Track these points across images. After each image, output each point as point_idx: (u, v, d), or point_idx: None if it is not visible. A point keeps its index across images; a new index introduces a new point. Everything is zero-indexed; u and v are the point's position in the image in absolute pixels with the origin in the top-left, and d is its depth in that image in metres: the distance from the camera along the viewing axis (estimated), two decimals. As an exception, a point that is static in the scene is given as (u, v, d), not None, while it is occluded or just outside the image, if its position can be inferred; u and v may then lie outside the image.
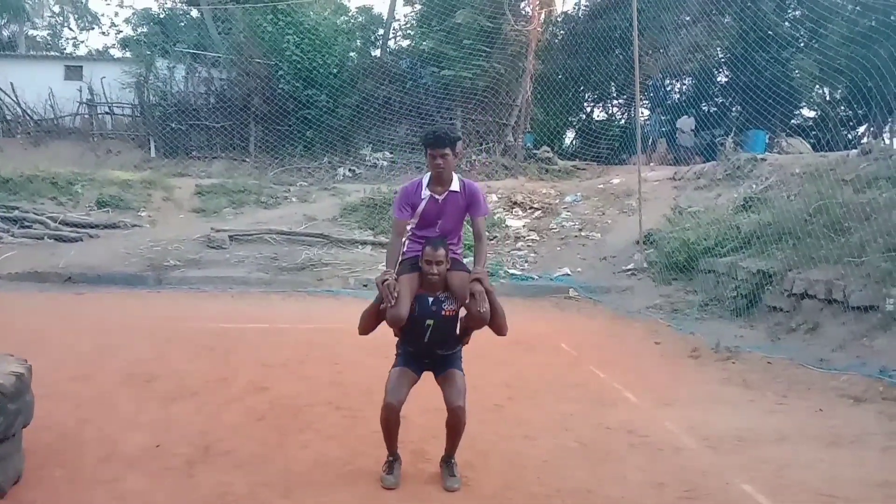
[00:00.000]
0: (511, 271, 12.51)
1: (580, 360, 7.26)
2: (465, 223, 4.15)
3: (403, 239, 4.08)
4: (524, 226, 14.92)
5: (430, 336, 3.84)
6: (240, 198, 16.31)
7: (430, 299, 3.85)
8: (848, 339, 7.08)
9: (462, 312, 3.91)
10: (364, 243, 13.78)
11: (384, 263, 4.06)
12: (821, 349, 7.14)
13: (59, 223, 13.58)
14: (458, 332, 3.96)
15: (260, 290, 11.14)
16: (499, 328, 3.89)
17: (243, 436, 4.61)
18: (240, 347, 7.20)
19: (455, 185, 4.01)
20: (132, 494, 3.68)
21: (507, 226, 14.80)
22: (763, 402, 5.76)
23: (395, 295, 3.71)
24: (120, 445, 4.32)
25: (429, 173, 4.02)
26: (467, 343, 4.09)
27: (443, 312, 3.85)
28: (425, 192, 3.99)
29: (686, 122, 20.01)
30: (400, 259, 4.01)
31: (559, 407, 5.48)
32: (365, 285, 11.27)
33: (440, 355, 3.95)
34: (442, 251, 3.81)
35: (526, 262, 13.20)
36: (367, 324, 3.93)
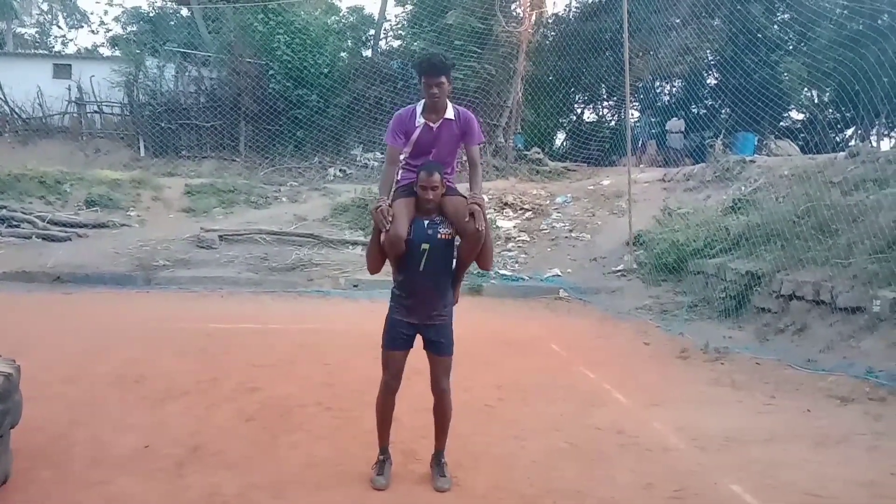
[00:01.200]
0: (501, 272, 12.53)
1: (570, 361, 7.28)
2: (459, 152, 4.12)
3: (398, 168, 4.05)
4: (515, 227, 14.95)
5: (426, 264, 3.79)
6: (230, 198, 16.23)
7: (426, 222, 3.82)
8: (835, 340, 7.14)
9: (457, 242, 3.88)
10: (354, 244, 13.76)
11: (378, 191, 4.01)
12: (808, 350, 7.19)
13: (48, 222, 13.47)
14: (452, 262, 3.92)
15: (250, 290, 11.10)
16: (486, 260, 3.93)
17: (233, 436, 4.60)
18: (230, 348, 7.18)
19: (450, 113, 3.96)
20: (122, 496, 3.67)
21: (497, 226, 14.81)
22: (751, 403, 5.80)
23: (390, 219, 3.69)
24: (109, 447, 4.31)
25: (423, 101, 3.96)
26: (457, 301, 4.03)
27: (438, 235, 3.81)
28: (419, 120, 3.94)
29: (676, 124, 20.11)
30: (395, 187, 3.97)
31: (549, 408, 5.50)
32: (355, 286, 11.25)
33: (434, 298, 3.85)
34: (437, 176, 3.78)
35: (516, 262, 13.22)
36: (374, 259, 3.90)
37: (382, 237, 3.76)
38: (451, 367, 3.94)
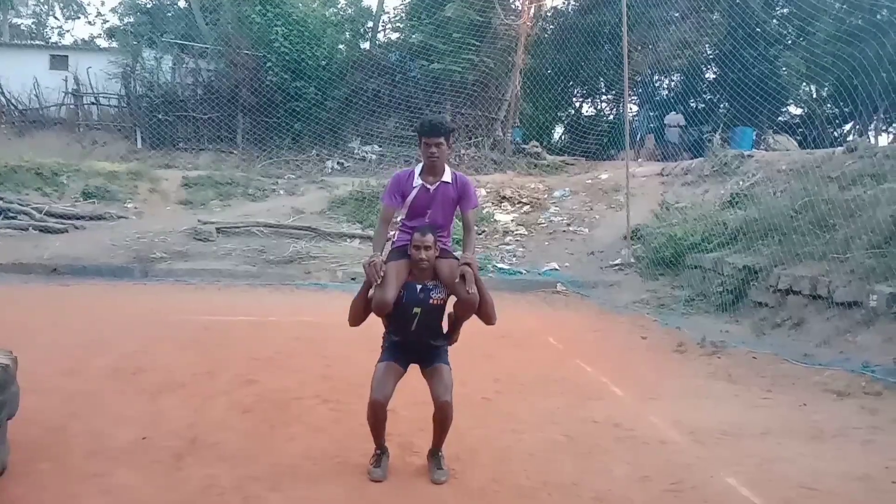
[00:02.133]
0: (499, 265, 12.54)
1: (567, 355, 7.29)
2: (454, 218, 4.15)
3: (392, 231, 4.08)
4: (512, 220, 14.95)
5: (418, 325, 3.85)
6: (227, 190, 16.21)
7: (419, 287, 3.85)
8: (832, 335, 7.16)
9: (450, 306, 3.92)
10: (352, 236, 13.76)
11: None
12: (805, 344, 7.22)
13: (45, 214, 13.44)
14: (445, 324, 3.96)
15: (247, 282, 11.09)
16: (487, 316, 3.90)
17: (231, 429, 4.60)
18: (227, 340, 7.18)
19: (447, 177, 4.01)
20: (119, 488, 3.67)
21: (495, 220, 14.82)
22: (748, 397, 5.82)
23: (382, 274, 3.72)
24: (107, 439, 4.30)
25: (421, 163, 4.01)
26: (455, 341, 4.10)
27: (430, 300, 3.85)
28: (417, 181, 3.98)
29: (674, 118, 20.10)
30: (389, 249, 4.01)
31: (546, 401, 5.51)
32: (353, 278, 11.24)
33: (427, 346, 3.94)
34: (430, 237, 3.81)
35: (514, 256, 13.23)
36: (357, 313, 3.94)
37: (371, 293, 3.79)
38: (453, 382, 3.90)
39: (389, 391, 3.84)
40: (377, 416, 3.83)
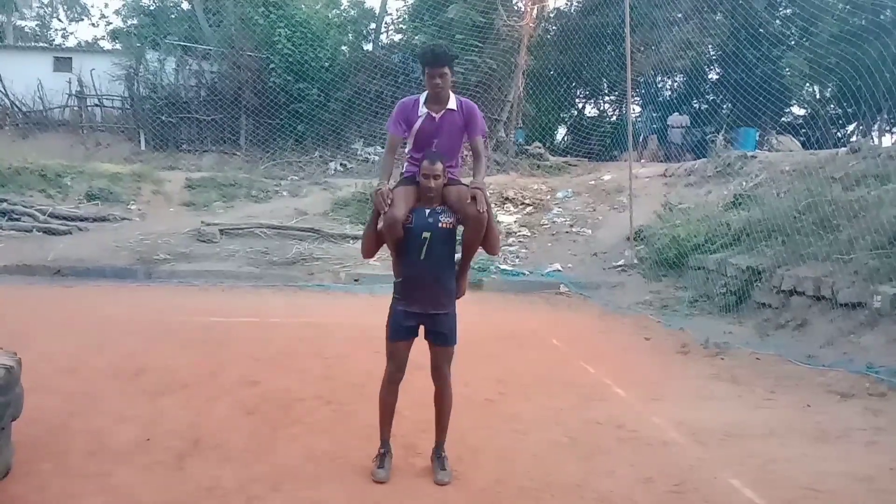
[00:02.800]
0: (502, 267, 12.53)
1: (570, 356, 7.28)
2: (463, 146, 4.09)
3: (399, 158, 4.04)
4: (515, 221, 14.94)
5: (427, 252, 3.77)
6: (230, 191, 16.23)
7: (427, 211, 3.81)
8: (836, 336, 7.14)
9: (459, 233, 3.86)
10: (355, 238, 13.72)
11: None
12: (809, 345, 7.20)
13: (48, 216, 13.47)
14: (455, 252, 3.91)
15: (250, 284, 11.10)
16: (491, 245, 3.90)
17: (233, 429, 4.60)
18: (230, 341, 7.18)
19: (452, 104, 3.94)
20: (121, 488, 3.67)
21: (498, 221, 14.81)
22: (751, 398, 5.81)
23: (389, 201, 3.69)
24: (109, 439, 4.31)
25: (426, 91, 3.94)
26: (464, 293, 4.01)
27: (440, 224, 3.79)
28: (422, 110, 3.92)
29: (678, 119, 20.07)
30: (398, 178, 3.97)
31: (549, 402, 5.50)
32: (356, 280, 11.25)
33: (437, 291, 3.82)
34: (439, 164, 3.77)
35: (517, 257, 13.22)
36: (369, 242, 3.91)
37: (380, 221, 3.75)
38: (453, 356, 3.93)
39: (404, 361, 3.88)
40: (389, 399, 3.88)
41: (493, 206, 15.32)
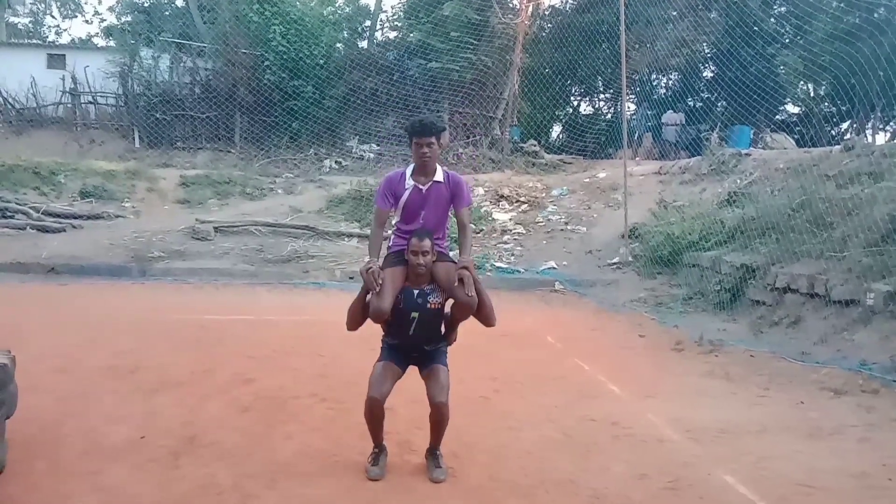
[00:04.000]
0: (497, 264, 12.54)
1: (565, 353, 7.29)
2: (449, 217, 4.13)
3: (388, 232, 4.07)
4: (510, 219, 14.95)
5: (415, 329, 3.85)
6: (225, 189, 16.19)
7: (416, 292, 3.85)
8: (829, 333, 7.17)
9: (448, 307, 3.91)
10: (350, 235, 13.75)
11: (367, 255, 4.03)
12: (802, 343, 7.23)
13: (42, 213, 13.41)
14: (443, 326, 3.96)
15: (245, 281, 11.08)
16: (486, 318, 3.89)
17: (228, 427, 4.60)
18: (225, 339, 7.17)
19: (439, 176, 3.98)
20: (115, 486, 3.67)
21: (493, 219, 14.82)
22: (745, 395, 5.83)
23: (380, 282, 3.71)
24: (103, 437, 4.30)
25: (412, 164, 3.99)
26: (454, 341, 4.10)
27: (428, 305, 3.85)
28: (409, 182, 3.96)
29: (673, 117, 20.09)
30: (385, 253, 4.01)
31: (544, 399, 5.52)
32: (351, 277, 11.24)
33: (425, 350, 3.94)
34: (427, 242, 3.81)
35: (512, 255, 13.23)
36: (354, 318, 3.93)
37: (368, 298, 3.79)
38: (450, 384, 3.89)
39: (387, 390, 3.83)
40: (374, 414, 3.83)
41: (487, 205, 15.29)
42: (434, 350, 3.97)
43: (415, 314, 3.83)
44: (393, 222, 4.10)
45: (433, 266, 3.87)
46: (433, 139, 3.88)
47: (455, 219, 4.10)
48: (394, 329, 3.92)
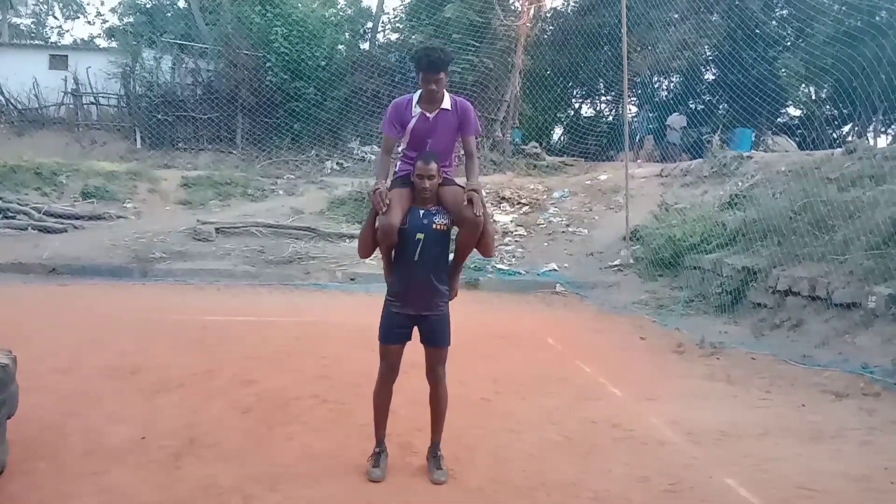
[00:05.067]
0: (498, 266, 12.53)
1: (566, 355, 7.29)
2: (457, 145, 4.07)
3: (394, 158, 4.03)
4: (512, 221, 14.95)
5: (421, 254, 3.76)
6: (226, 190, 16.19)
7: (422, 212, 3.79)
8: (831, 336, 7.16)
9: (454, 234, 3.86)
10: (352, 237, 13.72)
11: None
12: (804, 345, 7.22)
13: (44, 214, 13.42)
14: (449, 254, 3.90)
15: (246, 282, 11.08)
16: (486, 246, 3.87)
17: (229, 428, 4.59)
18: (226, 340, 7.17)
19: (446, 104, 3.91)
20: (117, 487, 3.67)
21: (494, 221, 14.82)
22: (746, 398, 5.82)
23: (388, 202, 3.68)
24: (104, 438, 4.30)
25: (420, 90, 3.91)
26: (456, 294, 4.01)
27: (434, 226, 3.78)
28: (415, 110, 3.89)
29: (676, 120, 20.10)
30: (392, 178, 3.96)
31: (545, 401, 5.51)
32: (352, 279, 11.24)
33: (430, 293, 3.82)
34: (434, 165, 3.75)
35: (513, 257, 13.22)
36: (366, 242, 3.89)
37: (377, 220, 3.75)
38: (447, 357, 3.94)
39: (396, 362, 3.87)
40: (384, 396, 3.88)
41: (488, 206, 15.33)
42: (439, 314, 3.86)
43: (420, 235, 3.75)
44: (399, 149, 4.03)
45: (440, 189, 3.82)
46: (441, 74, 3.80)
47: (463, 146, 4.04)
48: (399, 256, 3.83)
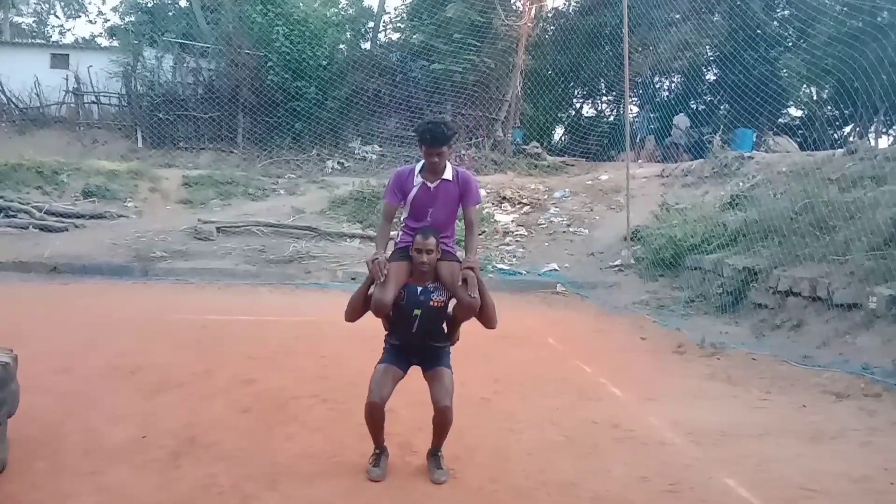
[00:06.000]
0: (499, 266, 12.53)
1: (567, 355, 7.28)
2: (458, 216, 4.10)
3: (394, 231, 4.05)
4: (512, 221, 14.95)
5: (418, 327, 3.83)
6: (227, 189, 16.20)
7: (419, 289, 3.84)
8: (831, 337, 7.16)
9: (451, 306, 3.90)
10: (352, 236, 13.75)
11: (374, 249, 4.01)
12: (804, 346, 7.22)
13: (45, 213, 13.43)
14: (445, 325, 3.95)
15: (247, 282, 11.09)
16: (488, 319, 3.87)
17: (229, 428, 4.59)
18: (226, 340, 7.17)
19: (448, 174, 3.95)
20: (116, 486, 3.66)
21: (495, 221, 14.81)
22: (747, 398, 5.81)
23: (385, 273, 3.70)
24: (104, 437, 4.30)
25: (422, 161, 3.95)
26: (457, 340, 4.08)
27: (431, 302, 3.83)
28: (417, 179, 3.93)
29: (682, 120, 20.08)
30: (392, 249, 3.99)
31: (545, 401, 5.51)
32: (353, 278, 11.24)
33: (428, 348, 3.92)
34: (432, 240, 3.78)
35: (514, 256, 13.22)
36: (355, 309, 3.91)
37: (371, 291, 3.78)
38: (454, 386, 3.87)
39: (387, 393, 3.81)
40: (374, 418, 3.82)
41: (489, 206, 15.30)
42: (438, 350, 3.95)
43: (417, 311, 3.81)
44: (402, 218, 4.06)
45: (438, 264, 3.85)
46: (444, 148, 3.84)
47: (463, 219, 4.06)
48: (396, 326, 3.91)
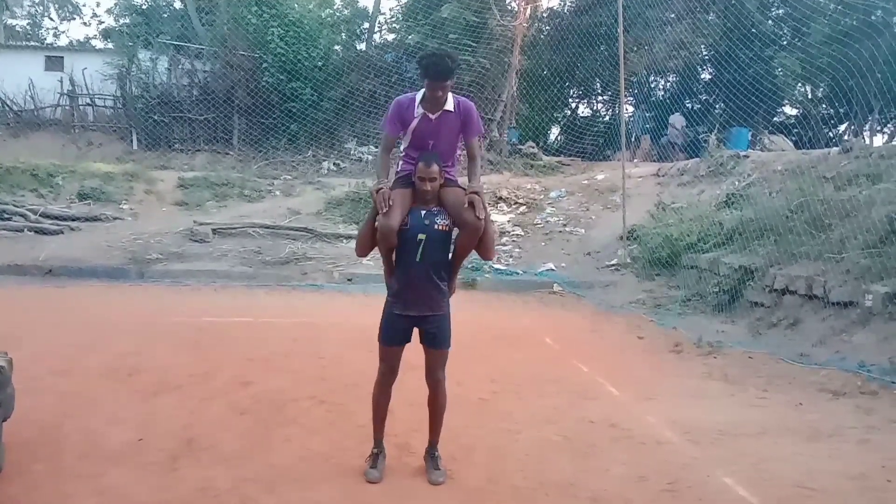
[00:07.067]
0: (496, 266, 12.52)
1: (564, 355, 7.29)
2: (459, 146, 4.05)
3: (398, 158, 4.00)
4: (509, 221, 14.95)
5: (422, 254, 3.75)
6: (223, 191, 16.16)
7: (423, 212, 3.77)
8: (828, 335, 7.18)
9: (455, 234, 3.85)
10: (349, 237, 13.71)
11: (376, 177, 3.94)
12: (801, 344, 7.23)
13: (40, 215, 13.37)
14: (450, 254, 3.89)
15: (243, 283, 11.07)
16: (487, 249, 3.87)
17: (227, 430, 4.59)
18: (223, 341, 7.16)
19: (449, 105, 3.86)
20: (113, 489, 3.66)
21: (492, 221, 14.80)
22: (744, 397, 5.83)
23: (390, 203, 3.66)
24: (102, 440, 4.29)
25: (423, 90, 3.84)
26: (454, 291, 4.00)
27: (436, 226, 3.76)
28: (418, 110, 3.85)
29: (679, 119, 20.11)
30: (394, 178, 3.93)
31: (542, 401, 5.51)
32: (349, 279, 11.23)
33: (431, 292, 3.81)
34: (435, 167, 3.73)
35: (510, 256, 13.23)
36: (364, 241, 3.88)
37: (377, 223, 3.74)
38: (447, 359, 3.93)
39: (397, 361, 3.87)
40: (382, 394, 3.87)
41: (489, 207, 15.35)
42: (440, 319, 3.85)
43: (422, 236, 3.73)
44: (402, 147, 4.00)
45: (441, 190, 3.80)
46: (448, 82, 3.76)
47: (465, 148, 4.01)
48: (400, 257, 3.81)
